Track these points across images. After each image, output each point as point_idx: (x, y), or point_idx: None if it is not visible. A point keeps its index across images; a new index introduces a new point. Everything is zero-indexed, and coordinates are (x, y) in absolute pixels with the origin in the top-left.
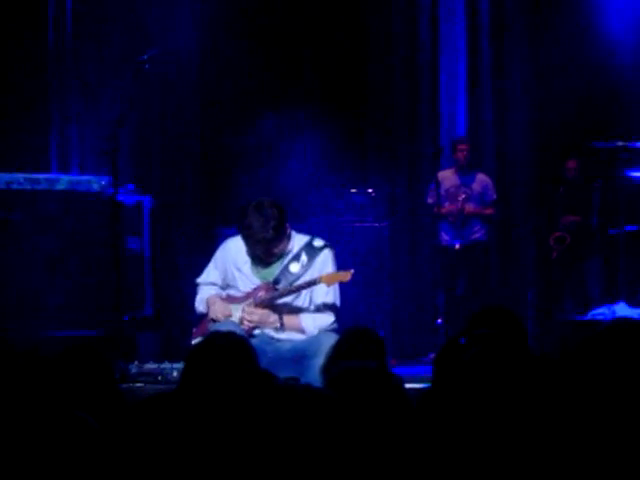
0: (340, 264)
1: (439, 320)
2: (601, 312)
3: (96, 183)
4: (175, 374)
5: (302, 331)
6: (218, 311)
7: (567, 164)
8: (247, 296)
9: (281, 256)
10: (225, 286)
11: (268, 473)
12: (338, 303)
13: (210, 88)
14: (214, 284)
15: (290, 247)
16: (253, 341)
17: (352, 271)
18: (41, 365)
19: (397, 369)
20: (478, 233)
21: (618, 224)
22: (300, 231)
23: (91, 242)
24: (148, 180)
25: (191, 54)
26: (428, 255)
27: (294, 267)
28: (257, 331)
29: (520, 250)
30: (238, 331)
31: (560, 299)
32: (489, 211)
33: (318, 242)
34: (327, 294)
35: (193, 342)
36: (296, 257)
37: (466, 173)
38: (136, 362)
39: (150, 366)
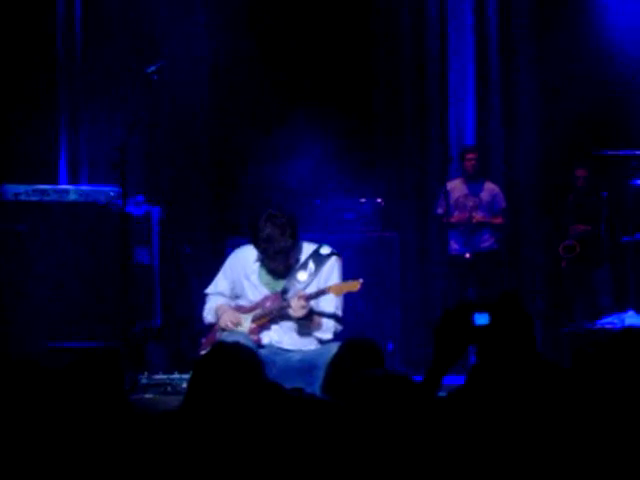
0: (349, 274)
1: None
2: (611, 321)
3: (105, 194)
4: (184, 385)
5: (320, 326)
6: (228, 319)
7: (576, 172)
8: (256, 306)
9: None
10: (234, 297)
11: None
12: (341, 315)
13: (219, 99)
14: (222, 294)
15: (298, 256)
16: (262, 351)
17: (361, 281)
18: (50, 376)
19: None
20: (488, 242)
21: (627, 232)
22: (308, 241)
23: (100, 253)
24: (157, 191)
25: (201, 64)
26: (438, 264)
27: (301, 276)
28: (266, 341)
29: (529, 259)
30: (246, 342)
31: (570, 308)
32: (498, 220)
33: (325, 250)
34: (334, 304)
35: (202, 353)
36: (303, 265)
37: (475, 182)
38: (146, 373)
39: (159, 377)
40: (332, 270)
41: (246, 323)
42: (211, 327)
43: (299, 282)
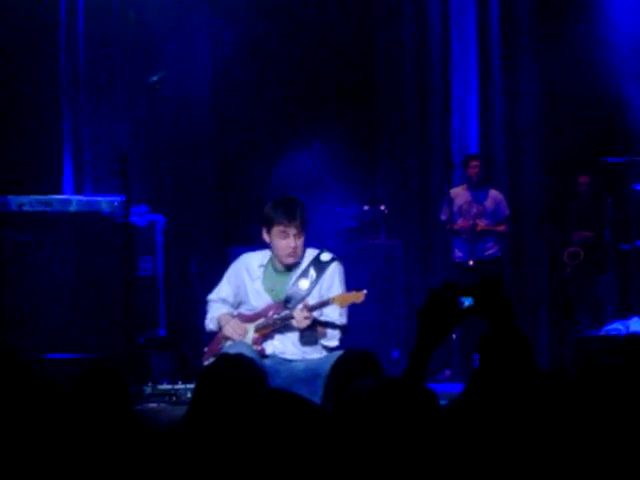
0: (353, 282)
1: (453, 336)
2: (615, 327)
3: (108, 204)
4: (189, 395)
5: (324, 334)
6: (233, 330)
7: (579, 179)
8: (258, 315)
9: (293, 267)
10: (236, 303)
11: None
12: (346, 322)
13: (223, 108)
14: (225, 300)
15: (301, 259)
16: (266, 362)
17: (365, 292)
18: (55, 388)
19: None
20: (492, 249)
21: (631, 239)
22: (310, 247)
23: (104, 263)
24: (161, 201)
25: (204, 74)
26: (441, 272)
27: (303, 284)
28: (269, 351)
29: (534, 266)
30: (250, 353)
31: (574, 314)
32: (502, 227)
33: (325, 256)
34: (339, 314)
35: (205, 362)
36: (305, 273)
37: (478, 189)
38: (150, 383)
39: (164, 387)
40: (334, 277)
41: (249, 333)
42: (213, 336)
43: (301, 290)
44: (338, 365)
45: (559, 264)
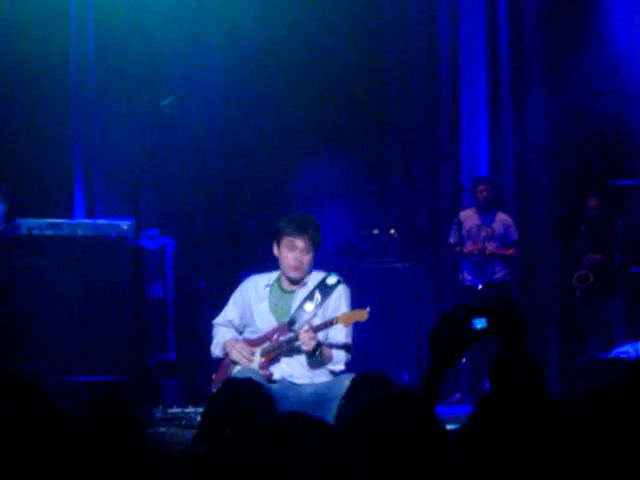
0: (362, 305)
1: (463, 360)
2: (625, 350)
3: (118, 228)
4: (198, 419)
5: (330, 358)
6: (240, 353)
7: (588, 202)
8: (264, 339)
9: (298, 287)
10: (242, 327)
11: None
12: (351, 343)
13: (232, 132)
14: (231, 323)
15: (305, 280)
16: (274, 386)
17: (368, 309)
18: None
19: None
20: (500, 273)
21: None
22: (317, 269)
23: (114, 287)
24: (170, 224)
25: (214, 99)
26: (451, 295)
27: (308, 306)
28: (277, 376)
29: (543, 289)
30: (257, 378)
31: (583, 337)
32: (511, 251)
33: (331, 279)
34: (344, 334)
35: (214, 389)
36: (310, 296)
37: (487, 213)
38: (160, 406)
39: (174, 410)
40: (339, 300)
41: (256, 357)
42: (220, 363)
43: (306, 312)
44: (352, 388)
45: (569, 287)
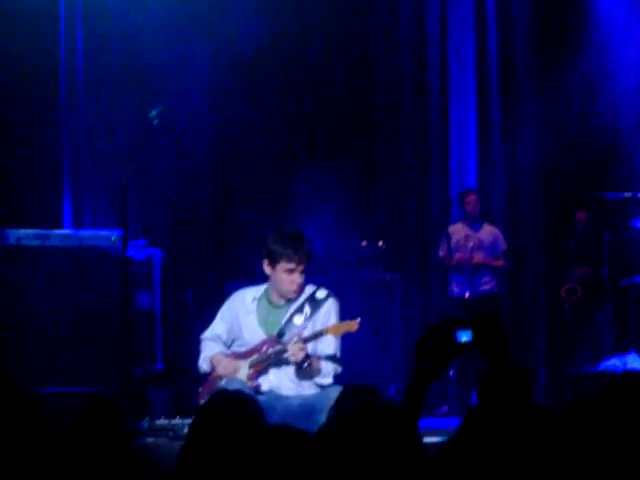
0: (350, 316)
1: (450, 372)
2: (612, 363)
3: (106, 239)
4: (186, 430)
5: (319, 371)
6: (226, 369)
7: (577, 215)
8: (252, 351)
9: (289, 302)
10: (230, 341)
11: None
12: (340, 355)
13: (220, 142)
14: (219, 337)
15: (299, 294)
16: (262, 398)
17: (358, 320)
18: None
19: None
20: (488, 284)
21: (629, 275)
22: (307, 283)
23: (101, 297)
24: (158, 235)
25: (202, 109)
26: (439, 307)
27: (297, 319)
28: (265, 387)
29: (531, 302)
30: (245, 389)
31: (572, 350)
32: (500, 262)
33: (321, 293)
34: (333, 345)
35: (201, 402)
36: (300, 309)
37: (475, 223)
38: (147, 417)
39: (161, 422)
40: (329, 314)
41: (243, 369)
42: (208, 375)
43: (295, 326)
44: (339, 400)
45: (557, 300)
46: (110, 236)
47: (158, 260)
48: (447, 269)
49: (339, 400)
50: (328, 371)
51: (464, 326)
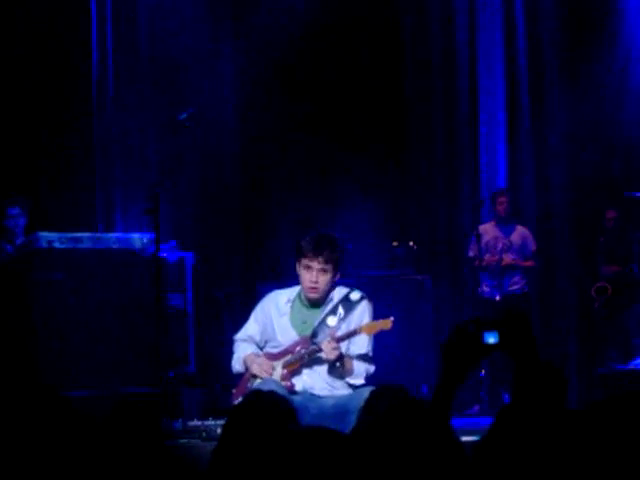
0: (382, 317)
1: (482, 372)
2: None
3: (138, 241)
4: (219, 431)
5: (351, 372)
6: (260, 367)
7: (606, 214)
8: (285, 352)
9: (321, 304)
10: (263, 343)
11: None
12: (372, 355)
13: (250, 144)
14: (252, 338)
15: (331, 296)
16: (296, 398)
17: (392, 319)
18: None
19: None
20: (518, 284)
21: None
22: (340, 284)
23: (134, 300)
24: (190, 237)
25: (231, 109)
26: (469, 307)
27: (331, 321)
28: (299, 387)
29: (562, 301)
30: (279, 390)
31: (602, 349)
32: (529, 263)
33: (355, 295)
34: (366, 345)
35: (234, 403)
36: (333, 310)
37: (505, 225)
38: (180, 419)
39: (194, 423)
40: (363, 315)
41: (277, 369)
42: (241, 377)
43: (328, 327)
44: (370, 401)
45: (587, 299)
46: (142, 238)
47: (190, 262)
48: (477, 269)
49: (368, 401)
50: (360, 372)
51: (491, 327)
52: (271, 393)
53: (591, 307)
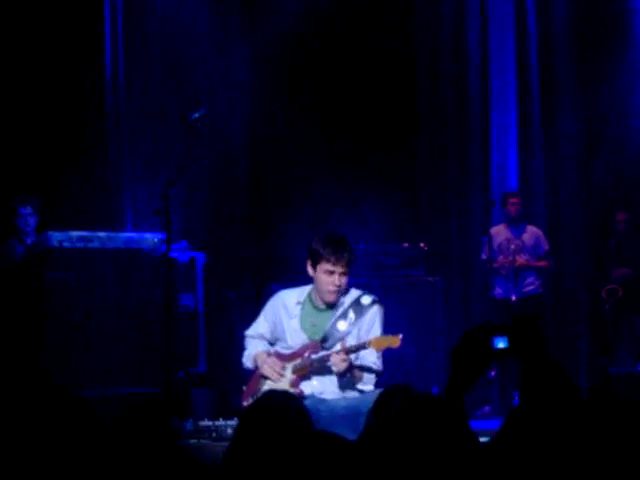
0: (393, 318)
1: (492, 373)
2: None
3: (149, 241)
4: (229, 431)
5: (361, 379)
6: (271, 369)
7: (617, 216)
8: (295, 354)
9: (333, 306)
10: (274, 340)
11: None
12: (382, 367)
13: (261, 144)
14: (263, 336)
15: (342, 299)
16: (306, 402)
17: (401, 336)
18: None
19: None
20: (532, 285)
21: None
22: (351, 286)
23: (144, 299)
24: (201, 237)
25: (242, 111)
26: (482, 309)
27: (341, 325)
28: (308, 392)
29: (572, 303)
30: None
31: (613, 351)
32: (543, 263)
33: (366, 299)
34: (375, 356)
35: (244, 402)
36: (344, 314)
37: (517, 226)
38: (190, 419)
39: (205, 423)
40: (373, 320)
41: (287, 372)
42: (251, 375)
43: (338, 331)
44: (379, 401)
45: (598, 301)
46: (153, 238)
47: (200, 262)
48: (490, 271)
49: (378, 401)
50: (370, 379)
51: (501, 332)
52: (284, 394)
53: (601, 309)
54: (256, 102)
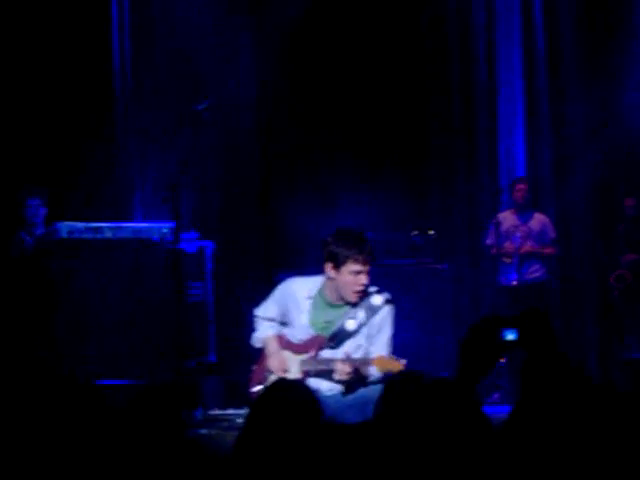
0: (402, 305)
1: (502, 361)
2: None
3: (158, 231)
4: (239, 420)
5: (367, 377)
6: (278, 366)
7: (625, 202)
8: (303, 347)
9: (344, 304)
10: (283, 323)
11: None
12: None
13: (268, 134)
14: (272, 320)
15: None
16: None
17: (404, 362)
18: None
19: None
20: (538, 272)
21: None
22: None
23: (154, 289)
24: (210, 226)
25: (249, 100)
26: (490, 295)
27: (350, 324)
28: (314, 386)
29: (581, 289)
30: None
31: (622, 337)
32: (549, 250)
33: (377, 299)
34: (386, 347)
35: (251, 388)
36: (354, 313)
37: (524, 212)
38: (201, 408)
39: (215, 412)
40: (384, 321)
41: (294, 367)
42: (259, 359)
43: (347, 330)
44: (387, 387)
45: (607, 287)
46: (162, 228)
47: (210, 252)
48: (494, 257)
49: (386, 388)
50: (377, 375)
51: (510, 325)
52: (295, 383)
53: (610, 295)
54: (264, 91)
